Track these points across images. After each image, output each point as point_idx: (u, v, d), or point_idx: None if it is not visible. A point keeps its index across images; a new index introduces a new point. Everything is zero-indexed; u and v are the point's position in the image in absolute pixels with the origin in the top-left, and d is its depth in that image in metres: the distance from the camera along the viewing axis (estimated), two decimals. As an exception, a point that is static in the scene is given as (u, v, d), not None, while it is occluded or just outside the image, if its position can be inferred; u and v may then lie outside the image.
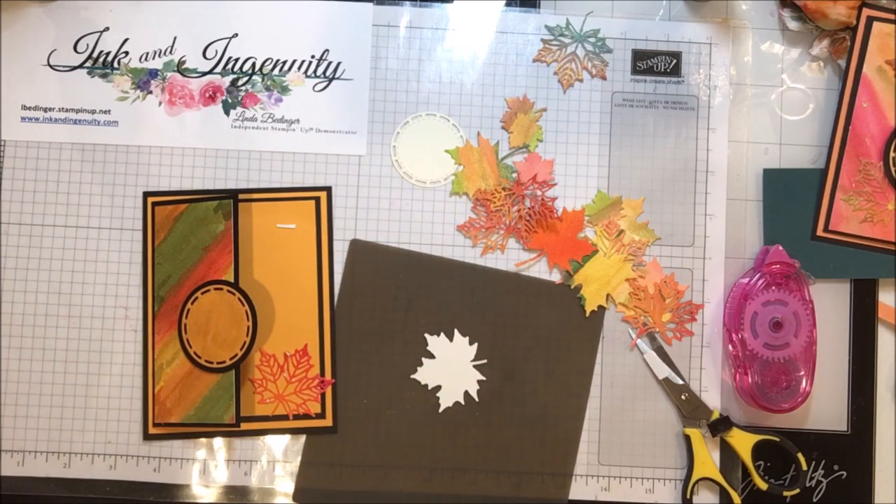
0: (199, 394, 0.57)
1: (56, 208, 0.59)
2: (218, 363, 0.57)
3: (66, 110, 0.60)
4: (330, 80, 0.60)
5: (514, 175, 0.60)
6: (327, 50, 0.60)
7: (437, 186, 0.60)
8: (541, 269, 0.60)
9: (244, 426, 0.58)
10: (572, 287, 0.59)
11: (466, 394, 0.58)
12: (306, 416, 0.58)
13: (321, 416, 0.58)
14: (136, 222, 0.59)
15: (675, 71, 0.61)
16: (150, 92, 0.60)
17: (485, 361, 0.58)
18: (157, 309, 0.59)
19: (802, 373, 0.58)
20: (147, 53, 0.60)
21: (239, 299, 0.57)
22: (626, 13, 0.61)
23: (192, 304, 0.58)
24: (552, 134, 0.60)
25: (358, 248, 0.59)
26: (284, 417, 0.58)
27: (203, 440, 0.58)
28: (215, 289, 0.57)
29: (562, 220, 0.60)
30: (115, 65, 0.60)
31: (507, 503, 0.58)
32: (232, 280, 0.57)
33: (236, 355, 0.57)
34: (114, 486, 0.58)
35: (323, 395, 0.58)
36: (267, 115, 0.60)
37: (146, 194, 0.59)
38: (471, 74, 0.61)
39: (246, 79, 0.60)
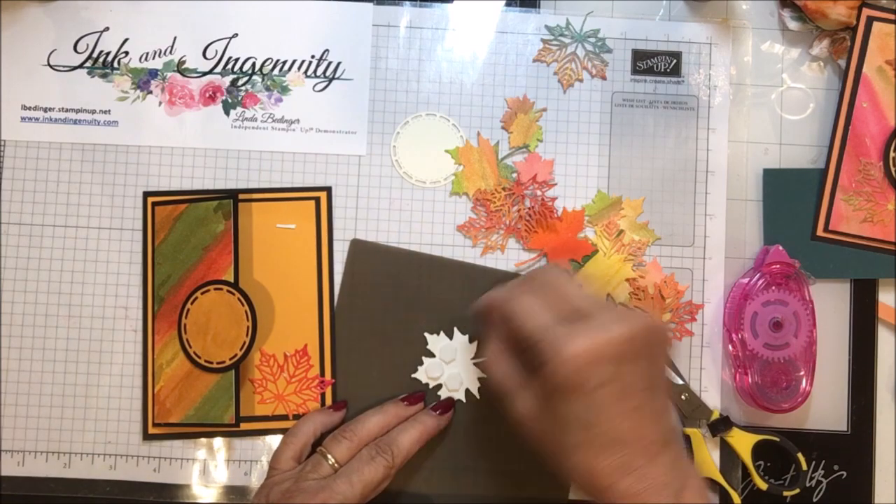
0: (199, 394, 0.57)
1: (56, 208, 0.59)
2: (217, 363, 0.57)
3: (66, 110, 0.60)
4: (330, 80, 0.60)
5: (514, 175, 0.60)
6: (327, 50, 0.60)
7: (437, 186, 0.60)
8: (541, 269, 0.60)
9: (244, 426, 0.58)
10: (572, 287, 0.59)
11: (468, 392, 0.58)
12: (306, 416, 0.58)
13: (321, 416, 0.58)
14: (136, 222, 0.59)
15: (675, 71, 0.61)
16: (150, 92, 0.60)
17: (485, 359, 0.58)
18: (157, 309, 0.59)
19: (802, 373, 0.58)
20: (147, 53, 0.60)
21: (238, 299, 0.57)
22: (626, 13, 0.61)
23: (191, 304, 0.58)
24: (552, 134, 0.60)
25: (358, 248, 0.59)
26: (284, 417, 0.58)
27: (203, 440, 0.58)
28: (215, 289, 0.57)
29: (562, 220, 0.60)
30: (115, 65, 0.60)
31: (507, 503, 0.58)
32: (232, 280, 0.57)
33: (236, 355, 0.57)
34: (114, 486, 0.58)
35: (323, 396, 0.58)
36: (267, 115, 0.60)
37: (146, 194, 0.59)
38: (471, 74, 0.61)
39: (246, 79, 0.60)
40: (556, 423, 0.46)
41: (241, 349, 0.57)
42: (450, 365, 0.58)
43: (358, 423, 0.54)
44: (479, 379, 0.58)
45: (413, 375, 0.58)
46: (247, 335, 0.57)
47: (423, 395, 0.57)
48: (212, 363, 0.57)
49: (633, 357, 0.45)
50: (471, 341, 0.59)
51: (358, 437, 0.53)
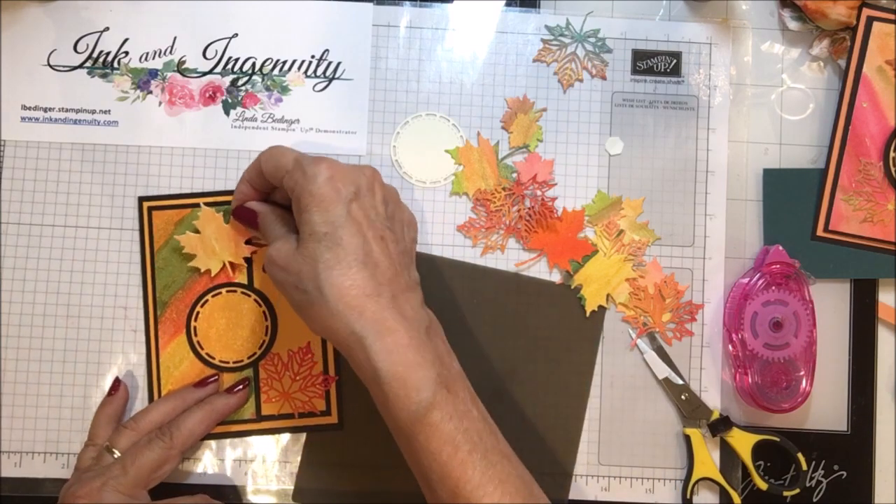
0: None
1: (56, 208, 0.59)
2: (234, 362, 0.58)
3: (66, 110, 0.60)
4: (330, 80, 0.60)
5: (514, 175, 0.60)
6: (327, 50, 0.60)
7: (437, 186, 0.60)
8: (541, 269, 0.60)
9: (248, 426, 0.58)
10: (572, 287, 0.59)
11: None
12: (311, 414, 0.58)
13: (326, 413, 0.58)
14: (135, 223, 0.59)
15: (675, 71, 0.61)
16: (150, 92, 0.60)
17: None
18: (161, 313, 0.58)
19: (802, 373, 0.58)
20: (147, 53, 0.60)
21: (255, 300, 0.58)
22: (626, 13, 0.61)
23: (201, 307, 0.58)
24: (552, 134, 0.60)
25: (358, 248, 0.59)
26: (290, 416, 0.58)
27: (203, 440, 0.58)
28: (227, 291, 0.58)
29: (562, 220, 0.60)
30: (115, 65, 0.60)
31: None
32: (245, 282, 0.58)
33: (255, 353, 0.58)
34: (113, 487, 0.58)
35: (327, 393, 0.58)
36: (267, 115, 0.60)
37: (141, 199, 0.59)
38: (471, 74, 0.61)
39: (246, 79, 0.60)
40: (307, 252, 0.47)
41: (259, 348, 0.58)
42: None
43: (141, 413, 0.55)
44: (478, 381, 0.58)
45: None
46: (266, 334, 0.58)
47: (215, 378, 0.57)
48: (227, 363, 0.58)
49: (368, 188, 0.49)
50: (471, 342, 0.58)
51: (140, 426, 0.54)
